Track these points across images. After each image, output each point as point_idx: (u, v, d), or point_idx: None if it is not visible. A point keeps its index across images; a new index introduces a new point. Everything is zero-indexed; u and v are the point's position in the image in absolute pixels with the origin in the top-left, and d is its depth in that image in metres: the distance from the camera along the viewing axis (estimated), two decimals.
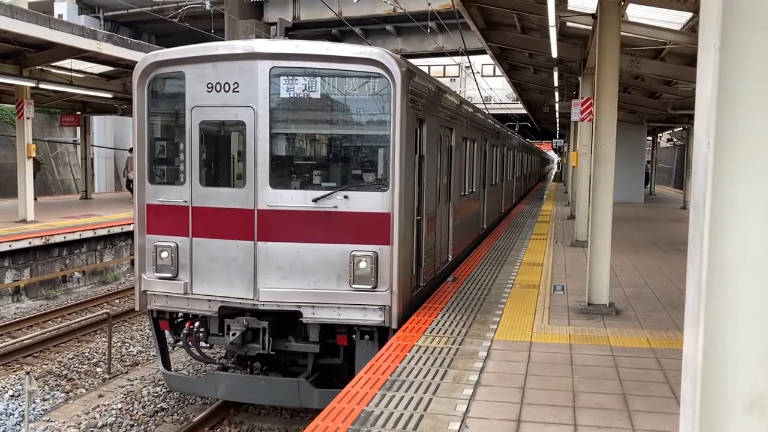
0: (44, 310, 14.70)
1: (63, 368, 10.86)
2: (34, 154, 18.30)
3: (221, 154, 8.51)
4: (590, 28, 13.09)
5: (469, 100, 19.68)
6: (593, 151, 9.35)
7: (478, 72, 43.30)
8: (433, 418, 5.21)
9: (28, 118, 17.92)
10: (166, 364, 8.92)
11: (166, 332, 8.80)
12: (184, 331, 8.25)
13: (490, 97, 48.25)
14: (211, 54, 7.96)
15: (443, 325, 7.91)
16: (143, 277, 8.37)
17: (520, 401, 5.61)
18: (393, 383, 5.93)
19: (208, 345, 8.57)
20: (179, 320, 8.63)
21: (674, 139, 43.35)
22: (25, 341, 11.32)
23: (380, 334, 7.78)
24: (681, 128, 32.46)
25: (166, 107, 8.56)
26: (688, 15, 11.89)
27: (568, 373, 6.34)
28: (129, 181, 24.26)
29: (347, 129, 8.26)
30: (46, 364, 11.12)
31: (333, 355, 8.08)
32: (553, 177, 68.87)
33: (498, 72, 31.60)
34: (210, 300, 8.00)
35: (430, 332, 7.60)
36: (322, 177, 8.04)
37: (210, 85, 7.89)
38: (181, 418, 8.91)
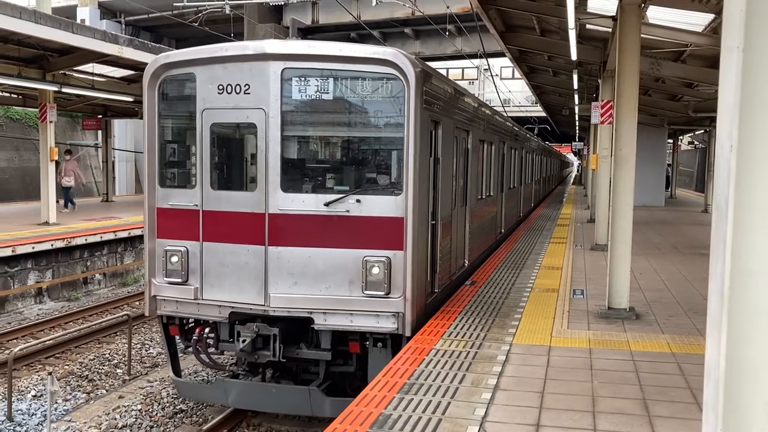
0: (66, 311, 14.86)
1: (84, 369, 10.97)
2: (56, 158, 18.53)
3: (232, 156, 8.35)
4: (610, 30, 13.00)
5: (487, 102, 19.67)
6: (613, 154, 9.28)
7: (496, 75, 43.18)
8: (452, 422, 5.19)
9: (51, 122, 18.15)
10: (177, 370, 8.82)
11: (177, 338, 8.71)
12: (194, 337, 8.18)
13: (509, 100, 48.12)
14: (221, 55, 7.82)
15: (462, 329, 7.89)
16: (153, 281, 8.28)
17: (539, 406, 5.57)
18: (411, 386, 5.92)
19: (218, 351, 8.47)
20: (190, 326, 8.54)
21: (695, 142, 42.93)
22: (48, 342, 11.45)
23: (393, 342, 7.59)
24: (702, 131, 32.14)
25: (177, 109, 8.48)
26: (711, 16, 11.77)
27: (588, 378, 6.29)
28: (66, 189, 21.87)
29: (360, 131, 8.09)
30: (67, 365, 11.24)
31: (345, 362, 7.92)
32: (572, 180, 68.46)
33: (517, 75, 31.48)
34: (220, 306, 7.88)
35: (449, 336, 7.58)
36: (334, 180, 7.86)
37: (221, 87, 7.76)
38: (200, 419, 8.96)
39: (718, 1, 9.73)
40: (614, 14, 11.23)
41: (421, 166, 7.65)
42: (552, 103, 34.02)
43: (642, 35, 9.45)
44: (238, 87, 7.69)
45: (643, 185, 20.35)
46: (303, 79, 7.60)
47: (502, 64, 47.45)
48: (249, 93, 7.65)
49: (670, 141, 34.68)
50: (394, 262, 7.50)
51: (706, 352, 2.36)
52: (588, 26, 14.28)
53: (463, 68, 54.16)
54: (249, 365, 8.30)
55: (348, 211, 7.53)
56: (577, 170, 72.15)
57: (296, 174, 7.92)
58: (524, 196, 21.89)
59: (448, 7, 25.95)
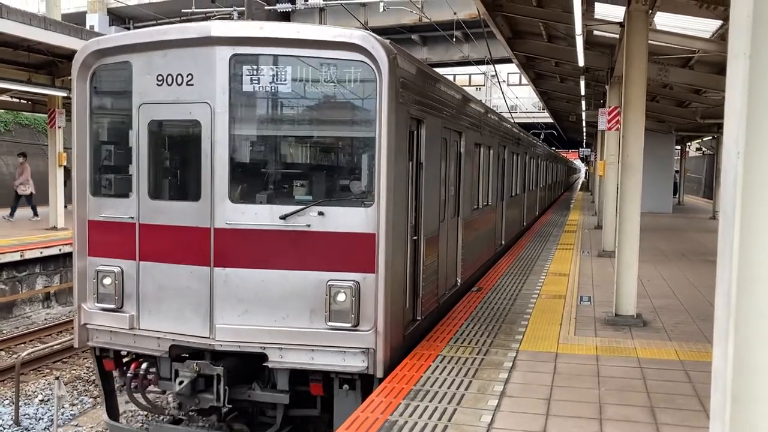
0: (73, 316, 14.90)
1: (91, 374, 11.00)
2: (65, 163, 18.63)
3: (173, 160, 7.24)
4: (617, 36, 12.99)
5: (494, 108, 19.56)
6: (620, 161, 9.26)
7: (503, 81, 43.20)
8: (458, 429, 5.17)
9: (59, 127, 18.27)
10: (113, 412, 7.61)
11: (114, 373, 7.51)
12: (129, 374, 7.02)
13: (516, 106, 48.11)
14: (161, 39, 6.67)
15: (468, 335, 7.87)
16: (83, 307, 7.18)
17: (545, 413, 5.55)
18: (417, 393, 5.91)
19: (161, 390, 7.45)
20: (128, 359, 7.36)
21: (703, 149, 42.80)
22: (55, 347, 11.49)
23: (363, 383, 6.42)
24: (710, 137, 32.06)
25: (111, 105, 7.42)
26: (718, 23, 11.76)
27: (595, 385, 6.27)
28: (17, 196, 19.97)
29: (324, 130, 6.95)
30: (74, 370, 11.28)
31: (308, 405, 6.77)
32: (579, 186, 68.35)
33: (524, 81, 31.48)
34: (159, 338, 6.74)
35: (455, 342, 7.56)
36: (292, 189, 6.73)
37: (160, 78, 6.64)
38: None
39: (726, 7, 9.72)
40: (621, 20, 11.23)
41: (398, 172, 6.56)
42: (559, 110, 33.98)
43: (649, 41, 9.43)
44: (179, 77, 6.58)
45: (650, 192, 20.27)
46: (255, 67, 6.47)
47: (509, 71, 47.48)
48: (192, 84, 6.54)
49: (678, 147, 34.61)
50: (363, 288, 6.36)
51: (713, 359, 2.35)
52: (595, 32, 14.29)
53: (470, 74, 54.19)
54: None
55: (309, 225, 6.40)
56: (585, 176, 72.07)
57: (247, 181, 6.80)
58: (528, 205, 20.80)
59: (455, 14, 25.99)
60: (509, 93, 37.68)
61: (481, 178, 11.78)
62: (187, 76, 6.56)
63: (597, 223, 21.30)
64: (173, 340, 6.69)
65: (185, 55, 6.58)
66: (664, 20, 12.34)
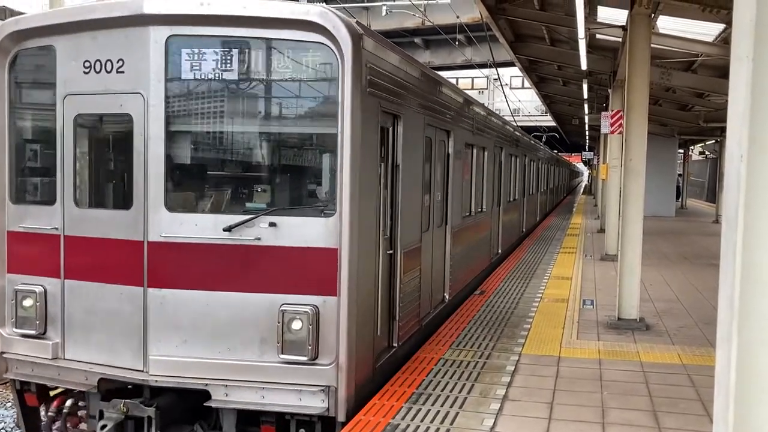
0: None
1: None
2: None
3: (102, 161, 6.22)
4: (620, 40, 13.00)
5: (497, 112, 19.47)
6: (623, 164, 9.26)
7: (506, 84, 43.24)
8: None
9: None
10: None
11: (41, 409, 6.48)
12: (50, 413, 6.09)
13: (518, 109, 48.15)
14: (88, 19, 5.73)
15: (470, 339, 7.86)
16: (1, 333, 6.15)
17: (548, 416, 5.54)
18: (419, 396, 5.90)
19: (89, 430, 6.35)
20: (56, 392, 6.38)
21: (706, 152, 42.78)
22: None
23: (324, 426, 5.50)
24: (713, 141, 32.05)
25: (33, 96, 6.48)
26: (721, 26, 11.76)
27: (597, 389, 6.25)
28: None
29: (276, 125, 5.88)
30: None
31: None
32: (582, 190, 68.32)
33: (527, 84, 31.51)
34: (87, 370, 5.77)
35: (457, 345, 7.55)
36: (239, 195, 5.87)
37: (88, 64, 5.70)
38: None
39: (729, 11, 9.72)
40: (624, 24, 11.24)
41: (366, 176, 5.65)
42: (562, 113, 34.01)
43: (652, 45, 9.44)
44: (108, 64, 5.63)
45: (653, 195, 20.27)
46: (196, 50, 5.52)
47: (512, 74, 47.49)
48: (123, 72, 5.59)
49: (681, 151, 34.59)
50: (323, 313, 5.40)
51: (716, 363, 2.34)
52: (598, 36, 14.30)
53: (472, 78, 54.26)
54: None
55: (258, 239, 5.46)
56: (587, 180, 72.06)
57: (187, 186, 5.93)
58: (528, 210, 19.87)
59: (457, 17, 26.02)
60: (512, 96, 37.70)
61: (474, 182, 10.98)
62: (118, 62, 5.61)
63: (600, 227, 21.29)
64: (102, 373, 5.70)
65: (115, 38, 5.60)
66: (666, 24, 12.35)
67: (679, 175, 35.78)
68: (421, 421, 5.36)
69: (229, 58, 5.51)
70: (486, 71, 39.61)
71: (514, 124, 20.22)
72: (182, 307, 5.56)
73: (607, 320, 8.89)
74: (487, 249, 12.68)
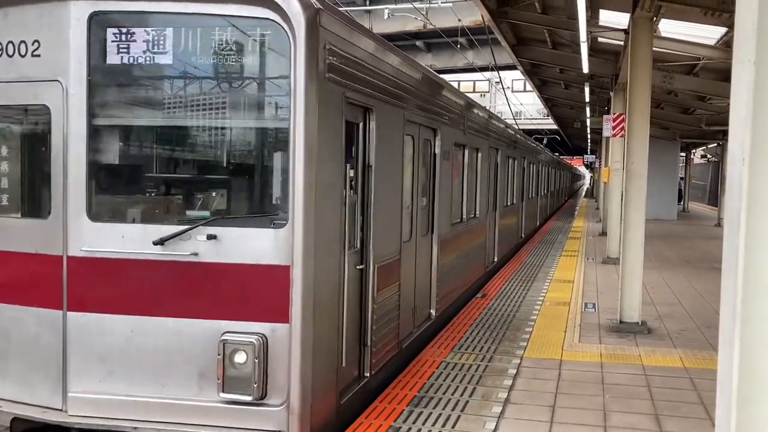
0: None
1: None
2: None
3: (14, 161, 5.30)
4: (622, 43, 13.01)
5: (499, 115, 19.34)
6: (625, 167, 9.26)
7: (508, 87, 43.26)
8: None
9: None
10: None
11: None
12: None
13: (520, 113, 48.17)
14: None
15: (472, 342, 7.85)
16: None
17: (549, 420, 5.54)
18: (421, 399, 5.90)
19: None
20: None
21: (708, 156, 42.77)
22: None
23: None
24: (715, 144, 32.04)
25: None
26: (723, 30, 11.75)
27: (599, 392, 6.25)
28: None
29: (218, 118, 4.91)
30: None
31: None
32: (584, 193, 68.29)
33: (528, 87, 31.54)
34: None
35: (459, 348, 7.55)
36: (175, 202, 5.12)
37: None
38: None
39: (731, 14, 9.72)
40: (626, 27, 11.24)
41: (325, 178, 4.81)
42: (564, 116, 34.01)
43: (654, 48, 9.45)
44: (22, 46, 4.80)
45: (655, 198, 20.24)
46: (124, 30, 4.69)
47: (514, 77, 47.54)
48: (38, 55, 4.78)
49: (683, 154, 34.59)
50: (273, 344, 4.57)
51: (718, 366, 2.34)
52: (600, 39, 14.30)
53: (474, 81, 54.32)
54: None
55: (196, 254, 4.62)
56: (589, 183, 72.03)
57: (114, 190, 5.15)
58: (527, 214, 19.02)
59: (459, 20, 26.05)
60: (514, 99, 37.73)
61: (465, 185, 10.07)
62: (33, 44, 4.77)
63: (601, 230, 21.28)
64: (13, 413, 4.86)
65: (29, 16, 4.79)
66: (668, 27, 12.35)
67: (681, 178, 35.76)
68: (423, 424, 5.36)
69: (162, 38, 4.67)
70: (488, 74, 39.63)
71: (516, 126, 20.15)
72: (107, 335, 4.74)
73: (608, 323, 8.88)
74: (481, 258, 11.85)
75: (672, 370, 7.02)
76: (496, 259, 13.55)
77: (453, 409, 5.67)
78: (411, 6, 25.10)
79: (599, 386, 6.42)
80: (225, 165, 5.11)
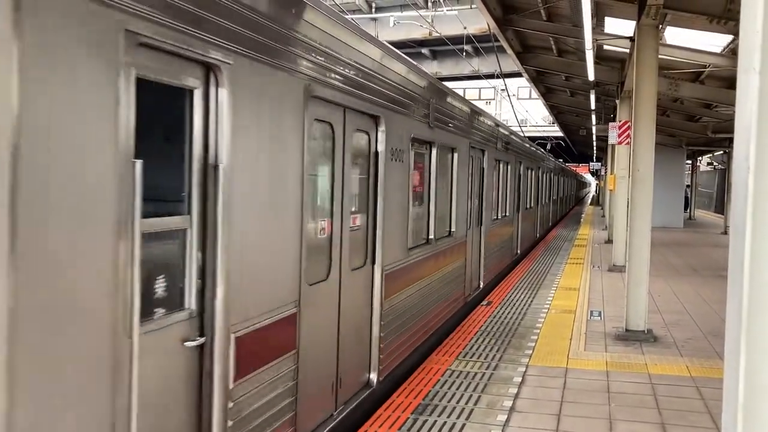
0: None
1: None
2: None
3: None
4: (627, 50, 13.00)
5: (504, 122, 19.12)
6: (631, 175, 9.24)
7: (513, 95, 43.29)
8: None
9: None
10: None
11: None
12: None
13: (525, 120, 48.16)
14: None
15: (477, 350, 7.83)
16: None
17: (555, 428, 5.51)
18: (426, 407, 5.88)
19: None
20: None
21: (714, 163, 42.64)
22: None
23: None
24: (721, 152, 31.95)
25: None
26: (729, 37, 11.74)
27: (605, 401, 6.22)
28: None
29: None
30: None
31: None
32: (590, 201, 68.16)
33: (534, 95, 31.51)
34: None
35: (464, 356, 7.53)
36: None
37: None
38: None
39: (736, 22, 9.71)
40: (632, 35, 11.24)
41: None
42: (569, 123, 33.98)
43: (660, 56, 9.44)
44: None
45: (661, 206, 20.23)
46: None
47: (519, 84, 47.60)
48: None
49: (689, 162, 34.50)
50: None
51: (724, 375, 2.33)
52: (605, 47, 14.30)
53: (480, 88, 54.38)
54: None
55: None
56: (595, 191, 71.89)
57: None
58: (524, 227, 16.97)
59: (465, 28, 26.09)
60: (519, 107, 37.73)
61: (435, 195, 8.01)
62: None
63: (607, 238, 21.22)
64: None
65: None
66: (674, 35, 12.34)
67: (688, 185, 35.68)
68: None
69: None
70: (493, 82, 39.65)
71: (522, 134, 20.07)
72: None
73: (614, 331, 8.85)
74: (457, 289, 9.38)
75: (678, 378, 6.99)
76: (481, 285, 11.24)
77: (458, 417, 5.65)
78: (417, 14, 25.15)
79: (605, 395, 6.40)
80: None
